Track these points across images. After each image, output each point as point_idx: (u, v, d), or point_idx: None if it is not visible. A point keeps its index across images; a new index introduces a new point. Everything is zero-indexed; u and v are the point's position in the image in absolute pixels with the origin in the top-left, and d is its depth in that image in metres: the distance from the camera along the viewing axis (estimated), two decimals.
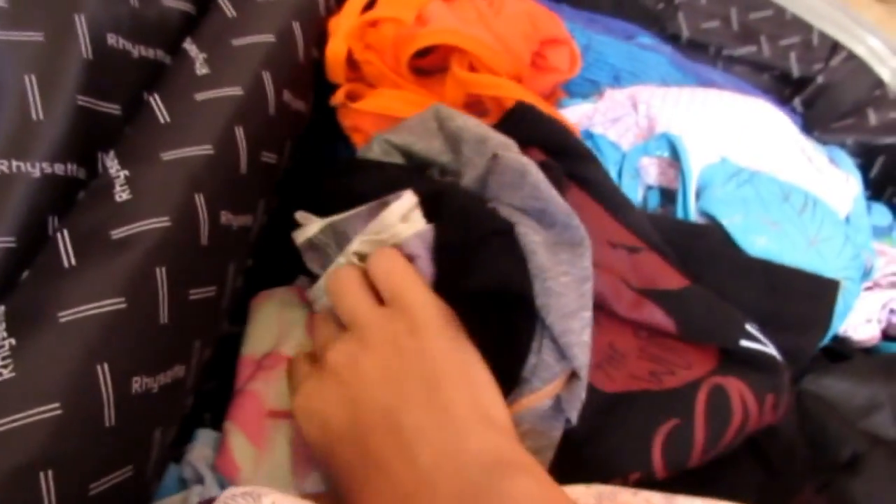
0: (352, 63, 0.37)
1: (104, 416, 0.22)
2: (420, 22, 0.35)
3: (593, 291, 0.26)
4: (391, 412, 0.23)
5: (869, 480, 0.31)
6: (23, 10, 0.25)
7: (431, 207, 0.28)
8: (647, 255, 0.31)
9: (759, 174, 0.37)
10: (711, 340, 0.29)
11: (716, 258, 0.34)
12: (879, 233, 0.43)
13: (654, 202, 0.39)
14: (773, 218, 0.36)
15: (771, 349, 0.30)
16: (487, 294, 0.25)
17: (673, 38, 0.49)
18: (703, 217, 0.37)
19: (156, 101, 0.28)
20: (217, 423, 0.30)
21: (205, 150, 0.27)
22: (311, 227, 0.29)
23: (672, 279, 0.30)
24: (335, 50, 0.35)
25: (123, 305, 0.23)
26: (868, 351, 0.40)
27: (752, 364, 0.29)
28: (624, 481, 0.26)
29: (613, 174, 0.38)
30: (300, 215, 0.30)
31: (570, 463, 0.25)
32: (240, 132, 0.28)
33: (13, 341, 0.21)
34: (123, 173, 0.25)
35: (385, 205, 0.27)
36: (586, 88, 0.43)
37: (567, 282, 0.25)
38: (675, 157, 0.38)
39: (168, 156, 0.26)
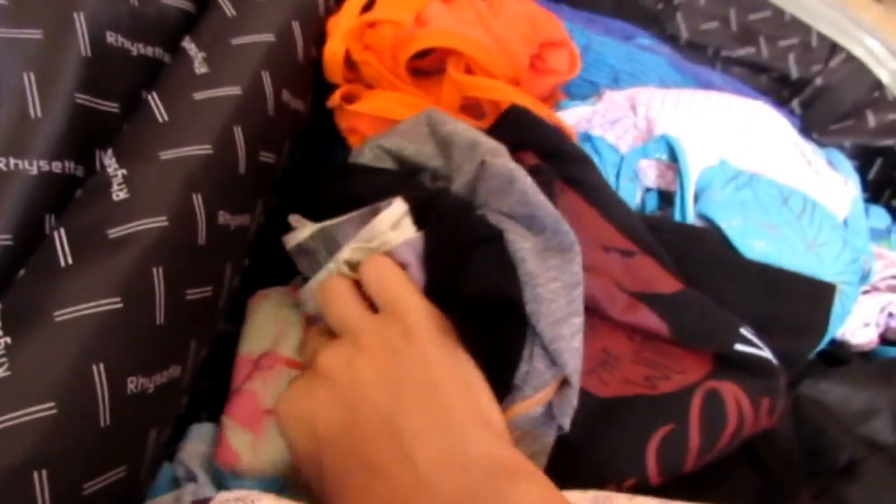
0: (350, 63, 0.37)
1: (99, 416, 0.22)
2: (419, 23, 0.35)
3: (586, 295, 0.26)
4: (390, 416, 0.23)
5: (866, 487, 0.31)
6: (22, 8, 0.25)
7: (422, 214, 0.28)
8: (641, 259, 0.31)
9: (758, 177, 0.37)
10: (705, 344, 0.29)
11: (713, 261, 0.34)
12: (878, 236, 0.43)
13: (652, 204, 0.39)
14: (771, 221, 0.36)
15: (766, 353, 0.30)
16: (477, 302, 0.25)
17: (672, 39, 0.49)
18: (702, 220, 0.37)
19: (154, 100, 0.28)
20: (212, 421, 0.30)
21: (203, 149, 0.27)
22: (301, 231, 0.29)
23: (666, 283, 0.30)
24: (333, 50, 0.35)
25: (120, 305, 0.23)
26: (866, 355, 0.40)
27: (747, 368, 0.29)
28: (618, 487, 0.26)
29: (612, 176, 0.38)
30: (293, 218, 0.30)
31: (565, 469, 0.25)
32: (238, 132, 0.28)
33: (9, 340, 0.21)
34: (121, 172, 0.25)
35: (376, 212, 0.27)
36: (585, 89, 0.43)
37: (556, 288, 0.25)
38: (673, 160, 0.38)
39: (166, 155, 0.26)
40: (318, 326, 0.29)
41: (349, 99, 0.37)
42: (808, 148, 0.41)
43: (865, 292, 0.40)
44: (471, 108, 0.37)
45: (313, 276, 0.29)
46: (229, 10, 0.31)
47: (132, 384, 0.23)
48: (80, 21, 0.26)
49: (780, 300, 0.34)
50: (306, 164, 0.37)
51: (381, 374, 0.24)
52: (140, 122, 0.27)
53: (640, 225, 0.33)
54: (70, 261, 0.23)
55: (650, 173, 0.39)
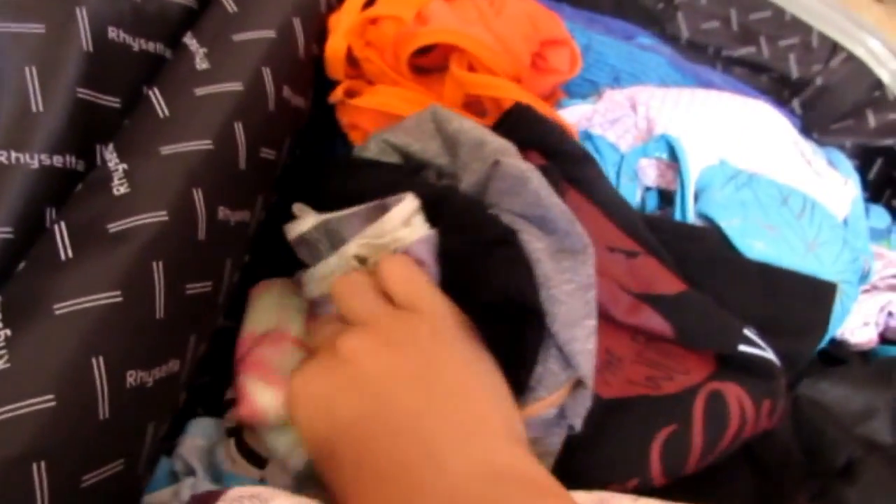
0: (351, 60, 0.37)
1: (98, 409, 0.22)
2: (420, 20, 0.35)
3: None
4: (419, 416, 0.22)
5: (865, 487, 0.31)
6: (24, 2, 0.25)
7: (431, 212, 0.27)
8: (645, 260, 0.31)
9: (758, 177, 0.37)
10: (709, 346, 0.29)
11: (713, 262, 0.34)
12: (878, 235, 0.43)
13: (652, 204, 0.39)
14: (771, 221, 0.36)
15: (769, 354, 0.30)
16: (497, 304, 0.25)
17: (672, 39, 0.49)
18: (701, 219, 0.37)
19: (155, 95, 0.28)
20: (211, 417, 0.30)
21: (204, 145, 0.27)
22: (304, 222, 0.29)
23: (670, 284, 0.30)
24: (335, 47, 0.35)
25: (119, 299, 0.23)
26: (865, 354, 0.40)
27: (749, 369, 0.29)
28: (622, 488, 0.26)
29: (612, 175, 0.38)
30: (297, 208, 0.30)
31: (569, 469, 0.25)
32: (239, 128, 0.28)
33: (8, 332, 0.21)
34: (122, 167, 0.25)
35: (384, 207, 0.27)
36: (585, 89, 0.43)
37: (571, 290, 0.25)
38: (673, 159, 0.38)
39: (167, 150, 0.26)
40: (328, 315, 0.28)
41: (351, 95, 0.37)
42: (808, 148, 0.41)
43: (865, 291, 0.40)
44: (472, 106, 0.37)
45: (314, 266, 0.29)
46: (231, 7, 0.31)
47: (131, 378, 0.23)
48: (81, 16, 0.26)
49: (781, 300, 0.34)
50: (307, 160, 0.37)
51: (408, 371, 0.23)
52: (141, 117, 0.28)
53: (642, 225, 0.33)
54: (70, 254, 0.23)
55: (650, 172, 0.39)
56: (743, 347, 0.29)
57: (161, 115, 0.27)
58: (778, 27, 0.48)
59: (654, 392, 0.28)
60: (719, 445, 0.27)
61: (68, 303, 0.22)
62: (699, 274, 0.32)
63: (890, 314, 0.40)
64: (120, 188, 0.25)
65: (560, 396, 0.25)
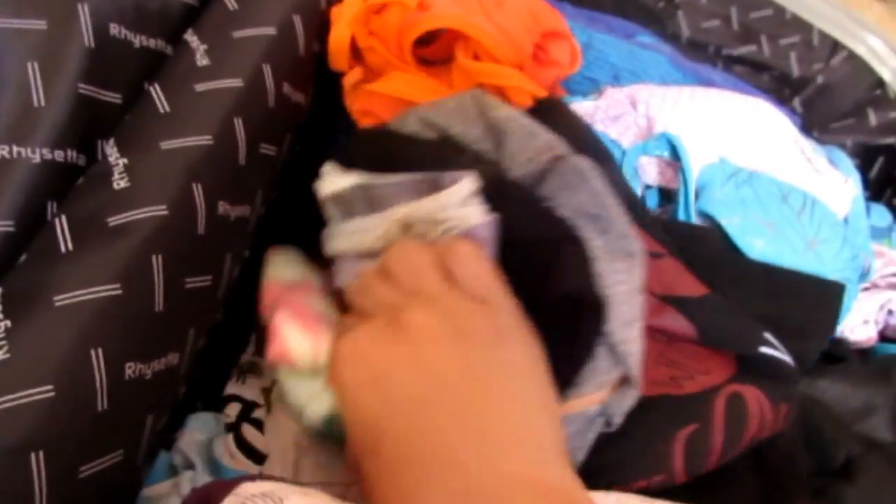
0: (355, 52, 0.36)
1: (97, 400, 0.22)
2: (422, 9, 0.35)
3: None
4: (478, 414, 0.21)
5: (864, 485, 0.31)
6: None
7: (488, 197, 0.27)
8: (669, 262, 0.31)
9: (758, 174, 0.37)
10: (732, 347, 0.29)
11: (718, 263, 0.34)
12: (878, 234, 0.43)
13: (652, 202, 0.39)
14: (771, 219, 0.36)
15: (787, 357, 0.30)
16: (559, 299, 0.25)
17: (673, 38, 0.49)
18: (702, 217, 0.37)
19: (156, 91, 0.28)
20: (209, 411, 0.30)
21: (204, 140, 0.27)
22: (339, 180, 0.28)
23: (692, 286, 0.31)
24: (338, 37, 0.35)
25: (119, 291, 0.23)
26: (865, 352, 0.40)
27: (768, 373, 0.29)
28: (647, 483, 0.26)
29: None
30: (328, 167, 0.29)
31: (596, 465, 0.26)
32: (239, 124, 0.29)
33: (9, 323, 0.21)
34: (122, 161, 0.26)
35: (435, 182, 0.26)
36: (586, 87, 0.43)
37: (625, 291, 0.26)
38: (673, 157, 0.38)
39: (167, 145, 0.26)
40: (373, 269, 0.26)
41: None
42: (808, 146, 0.41)
43: (865, 289, 0.40)
44: None
45: (343, 222, 0.28)
46: (231, 4, 0.32)
47: (130, 370, 0.23)
48: (83, 12, 0.26)
49: (787, 302, 0.34)
50: (307, 156, 0.37)
51: (471, 363, 0.23)
52: (142, 112, 0.28)
53: (659, 226, 0.33)
54: (70, 247, 0.23)
55: (650, 171, 0.39)
56: (763, 349, 0.29)
57: (161, 110, 0.27)
58: (778, 26, 0.48)
59: (675, 391, 0.28)
60: (738, 445, 0.28)
61: (68, 295, 0.22)
62: (704, 275, 0.32)
63: (890, 312, 0.39)
64: (120, 182, 0.25)
65: (606, 393, 0.25)
